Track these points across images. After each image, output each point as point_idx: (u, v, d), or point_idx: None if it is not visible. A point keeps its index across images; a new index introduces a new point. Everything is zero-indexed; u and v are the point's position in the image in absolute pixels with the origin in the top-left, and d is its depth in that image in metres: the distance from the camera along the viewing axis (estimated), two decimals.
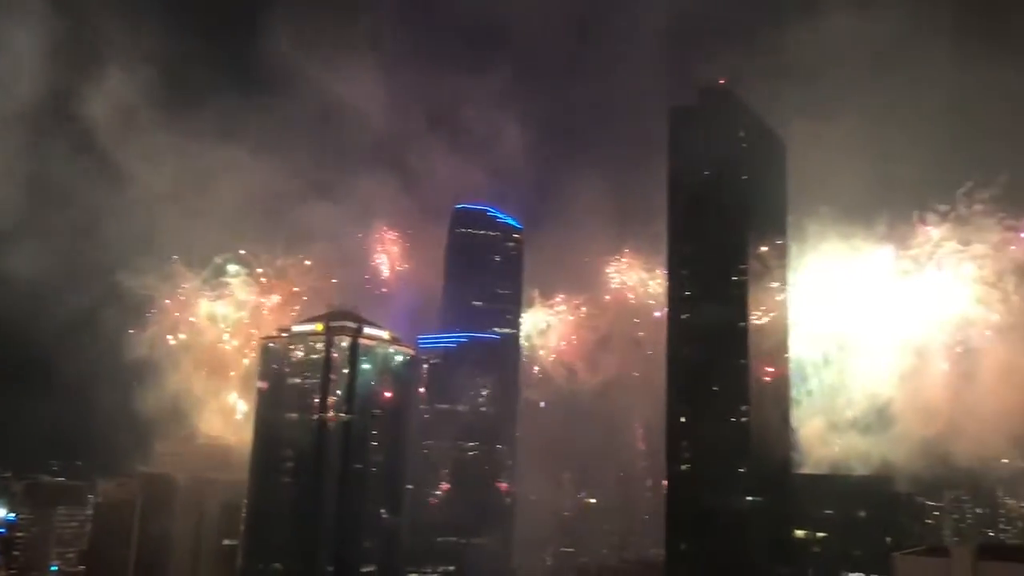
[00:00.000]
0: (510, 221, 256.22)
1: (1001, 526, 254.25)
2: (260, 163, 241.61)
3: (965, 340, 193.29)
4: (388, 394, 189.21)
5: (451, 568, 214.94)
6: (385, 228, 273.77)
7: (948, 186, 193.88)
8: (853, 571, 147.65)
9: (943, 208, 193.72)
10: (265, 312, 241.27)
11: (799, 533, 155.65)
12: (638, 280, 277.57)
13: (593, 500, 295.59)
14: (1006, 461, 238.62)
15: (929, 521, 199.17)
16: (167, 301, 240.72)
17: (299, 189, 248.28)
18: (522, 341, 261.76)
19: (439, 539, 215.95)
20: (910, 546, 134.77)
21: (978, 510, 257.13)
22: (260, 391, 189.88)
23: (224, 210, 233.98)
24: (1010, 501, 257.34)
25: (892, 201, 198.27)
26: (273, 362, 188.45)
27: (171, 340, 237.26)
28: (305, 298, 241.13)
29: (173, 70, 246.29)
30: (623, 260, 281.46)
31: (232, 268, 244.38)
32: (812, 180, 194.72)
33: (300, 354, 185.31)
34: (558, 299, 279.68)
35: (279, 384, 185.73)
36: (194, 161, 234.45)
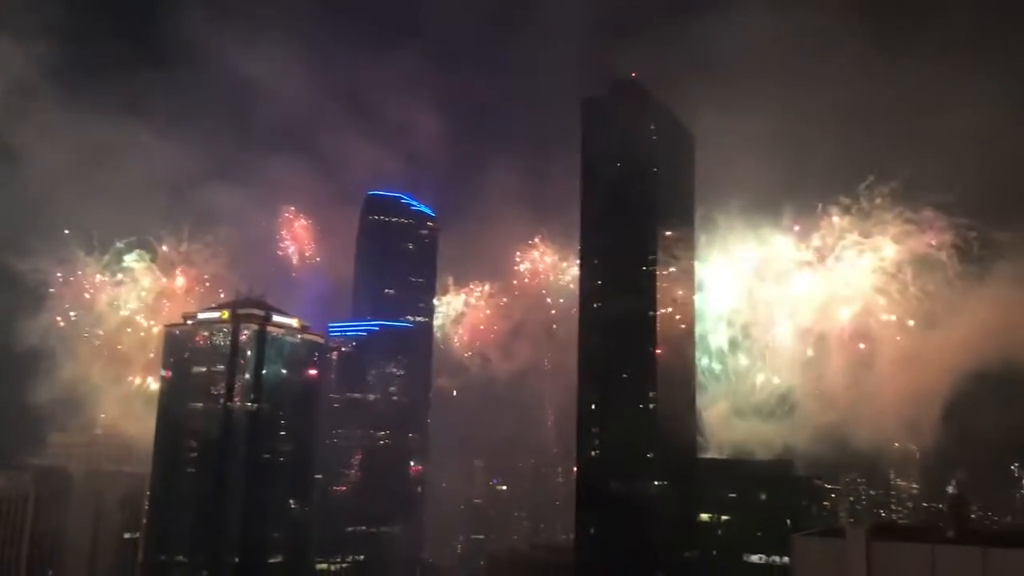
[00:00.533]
0: (423, 209, 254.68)
1: (893, 506, 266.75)
2: (165, 142, 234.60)
3: (865, 329, 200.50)
4: (297, 383, 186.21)
5: (360, 557, 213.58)
6: (295, 213, 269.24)
7: (851, 180, 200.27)
8: (755, 552, 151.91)
9: (846, 201, 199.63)
10: (166, 303, 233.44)
11: (704, 516, 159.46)
12: (553, 268, 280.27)
13: (504, 487, 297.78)
14: (897, 444, 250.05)
15: (826, 503, 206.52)
16: (63, 286, 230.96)
17: (206, 170, 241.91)
18: (435, 330, 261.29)
19: (349, 528, 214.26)
20: (808, 527, 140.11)
21: (872, 492, 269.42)
22: (163, 380, 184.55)
23: (126, 191, 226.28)
24: (901, 483, 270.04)
25: (798, 194, 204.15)
26: (177, 350, 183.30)
27: (67, 327, 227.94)
28: (210, 284, 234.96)
29: (72, 41, 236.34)
30: (538, 249, 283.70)
31: (134, 253, 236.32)
32: (721, 173, 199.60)
33: (205, 342, 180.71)
34: (472, 287, 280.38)
35: (183, 373, 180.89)
36: (94, 138, 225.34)
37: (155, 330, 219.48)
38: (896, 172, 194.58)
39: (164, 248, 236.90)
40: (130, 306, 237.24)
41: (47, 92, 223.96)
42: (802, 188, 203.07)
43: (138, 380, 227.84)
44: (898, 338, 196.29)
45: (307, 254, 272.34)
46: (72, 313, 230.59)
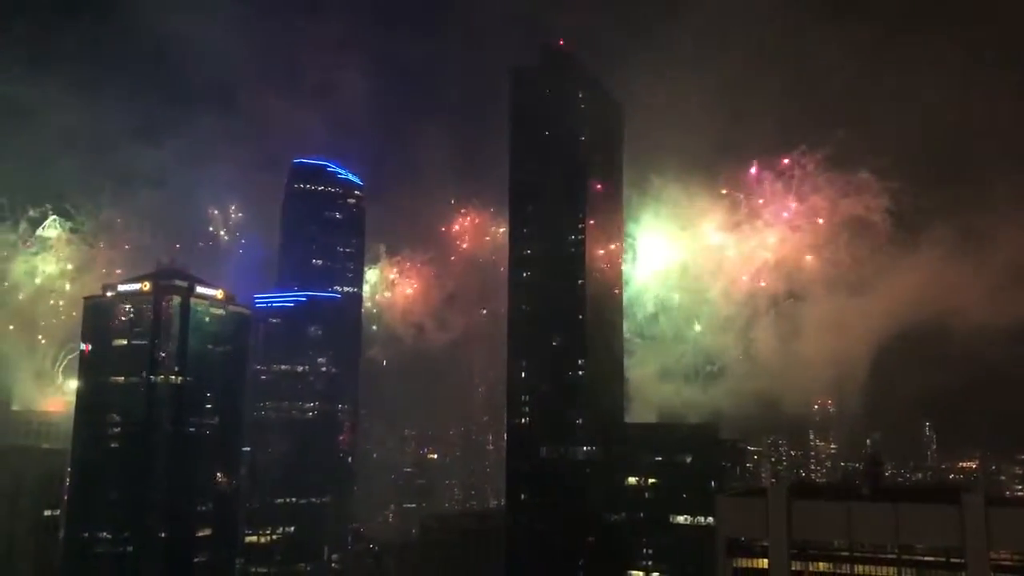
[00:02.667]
0: (351, 177, 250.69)
1: (812, 466, 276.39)
2: (81, 100, 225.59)
3: (795, 291, 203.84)
4: (222, 355, 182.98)
5: (291, 529, 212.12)
6: (219, 181, 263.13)
7: (785, 145, 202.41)
8: (681, 514, 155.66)
9: (781, 165, 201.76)
10: (84, 273, 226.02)
11: (631, 480, 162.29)
12: (483, 235, 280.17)
13: (435, 456, 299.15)
14: (817, 407, 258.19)
15: (749, 465, 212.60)
16: None
17: (123, 132, 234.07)
18: (365, 300, 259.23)
19: (279, 500, 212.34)
20: (732, 488, 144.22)
21: (792, 453, 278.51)
22: (83, 353, 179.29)
23: (37, 152, 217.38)
24: (820, 443, 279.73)
25: (731, 159, 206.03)
26: (97, 322, 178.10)
27: None
28: (130, 254, 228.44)
29: None
30: (469, 216, 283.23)
31: (50, 219, 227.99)
32: (653, 138, 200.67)
33: (127, 314, 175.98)
34: (404, 255, 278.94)
35: (104, 346, 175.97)
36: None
37: (73, 302, 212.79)
38: (831, 136, 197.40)
39: (81, 216, 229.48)
40: (47, 276, 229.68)
41: None
42: (736, 153, 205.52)
43: (55, 353, 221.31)
44: (826, 301, 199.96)
45: (231, 223, 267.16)
46: None
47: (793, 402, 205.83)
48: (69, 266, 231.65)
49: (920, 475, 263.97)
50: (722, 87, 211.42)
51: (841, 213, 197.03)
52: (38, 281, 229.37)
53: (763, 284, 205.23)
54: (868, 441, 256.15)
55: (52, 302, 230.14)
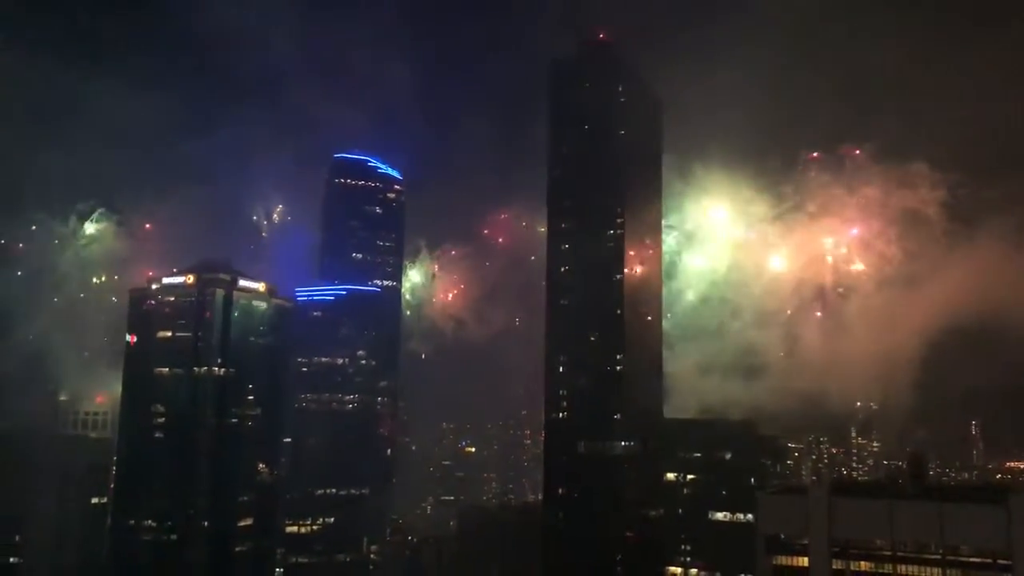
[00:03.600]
0: (391, 171, 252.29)
1: (854, 464, 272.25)
2: (128, 95, 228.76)
3: (843, 284, 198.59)
4: (264, 347, 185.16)
5: (331, 520, 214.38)
6: (262, 175, 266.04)
7: (837, 136, 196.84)
8: (719, 511, 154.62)
9: (829, 158, 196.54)
10: (131, 266, 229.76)
11: (669, 476, 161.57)
12: (524, 230, 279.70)
13: (473, 449, 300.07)
14: (859, 404, 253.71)
15: (790, 461, 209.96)
16: (25, 247, 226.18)
17: (170, 126, 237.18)
18: (406, 293, 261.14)
19: (319, 491, 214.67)
20: (772, 485, 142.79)
21: (834, 450, 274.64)
22: (129, 345, 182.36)
23: (89, 148, 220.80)
24: (863, 440, 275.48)
25: (780, 148, 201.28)
26: (143, 315, 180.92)
27: (29, 290, 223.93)
28: (175, 247, 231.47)
29: None
30: (510, 210, 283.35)
31: (97, 213, 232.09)
32: (693, 130, 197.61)
33: (171, 307, 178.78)
34: (444, 249, 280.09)
35: (149, 338, 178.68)
36: (50, 90, 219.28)
37: (119, 295, 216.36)
38: (885, 126, 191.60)
39: (128, 211, 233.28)
40: (94, 268, 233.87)
41: None
42: (784, 144, 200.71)
43: (102, 345, 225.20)
44: (875, 295, 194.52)
45: (274, 217, 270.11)
46: (34, 276, 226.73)
47: (836, 399, 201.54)
48: (116, 259, 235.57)
49: (966, 475, 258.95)
50: (771, 76, 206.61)
51: (894, 206, 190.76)
52: (86, 274, 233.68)
53: (810, 278, 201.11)
54: (912, 439, 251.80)
55: (99, 294, 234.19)
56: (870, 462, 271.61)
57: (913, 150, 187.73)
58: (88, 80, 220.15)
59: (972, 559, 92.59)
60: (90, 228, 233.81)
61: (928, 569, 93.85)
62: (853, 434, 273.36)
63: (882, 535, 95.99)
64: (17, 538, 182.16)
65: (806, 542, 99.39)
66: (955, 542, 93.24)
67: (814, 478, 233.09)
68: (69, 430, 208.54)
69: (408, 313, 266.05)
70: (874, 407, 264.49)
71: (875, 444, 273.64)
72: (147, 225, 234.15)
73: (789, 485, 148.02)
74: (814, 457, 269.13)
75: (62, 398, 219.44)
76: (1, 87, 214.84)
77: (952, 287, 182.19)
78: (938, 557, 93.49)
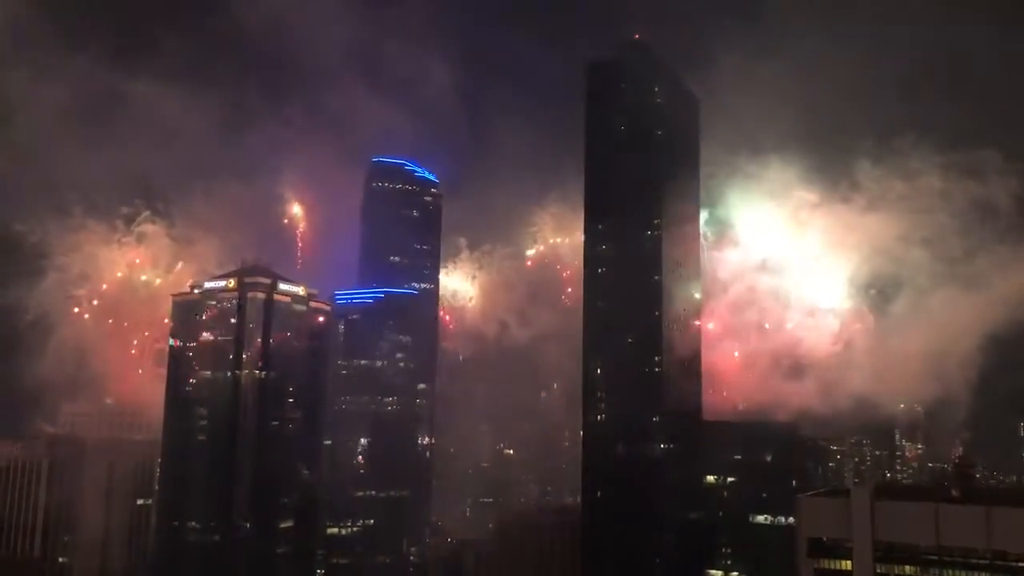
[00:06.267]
0: (428, 175, 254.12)
1: (897, 467, 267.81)
2: (172, 96, 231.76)
3: (896, 281, 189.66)
4: (304, 350, 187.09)
5: (370, 522, 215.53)
6: (302, 178, 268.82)
7: (886, 133, 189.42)
8: (760, 513, 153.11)
9: (882, 154, 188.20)
10: (176, 267, 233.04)
11: (709, 478, 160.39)
12: (563, 231, 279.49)
13: (511, 452, 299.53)
14: (903, 406, 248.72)
15: (831, 464, 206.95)
16: (69, 250, 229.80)
17: (212, 129, 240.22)
18: (446, 295, 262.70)
19: (358, 493, 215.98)
20: (813, 488, 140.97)
21: (877, 452, 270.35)
22: (172, 349, 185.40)
23: (132, 149, 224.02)
24: (907, 443, 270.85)
25: (834, 135, 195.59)
26: (185, 319, 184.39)
27: (74, 294, 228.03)
28: (216, 251, 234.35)
29: None
30: (548, 212, 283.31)
31: (143, 215, 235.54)
32: (734, 128, 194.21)
33: (213, 311, 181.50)
34: (484, 251, 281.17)
35: (192, 341, 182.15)
36: (94, 88, 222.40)
37: (163, 298, 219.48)
38: (935, 125, 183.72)
39: (171, 215, 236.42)
40: (139, 272, 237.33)
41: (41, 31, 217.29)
42: (838, 130, 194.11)
43: (146, 348, 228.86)
44: (929, 292, 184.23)
45: (313, 221, 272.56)
46: (78, 279, 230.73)
47: (882, 400, 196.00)
48: (159, 262, 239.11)
49: (1014, 478, 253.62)
50: (828, 60, 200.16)
51: (957, 198, 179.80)
52: (131, 277, 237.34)
53: (857, 273, 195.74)
54: (958, 441, 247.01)
55: (144, 298, 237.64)
56: (914, 465, 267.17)
57: (983, 134, 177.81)
58: (133, 79, 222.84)
59: (1021, 564, 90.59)
60: (135, 230, 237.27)
61: (975, 574, 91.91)
62: (897, 436, 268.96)
63: (927, 539, 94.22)
64: (66, 539, 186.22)
65: (849, 545, 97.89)
66: (1004, 547, 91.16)
67: (856, 481, 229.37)
68: (115, 432, 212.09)
69: (447, 315, 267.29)
70: (918, 408, 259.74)
71: (919, 447, 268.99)
72: (191, 229, 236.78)
73: (831, 488, 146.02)
74: (856, 459, 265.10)
75: (107, 401, 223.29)
76: (44, 88, 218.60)
77: (1010, 284, 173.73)
78: (986, 562, 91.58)
